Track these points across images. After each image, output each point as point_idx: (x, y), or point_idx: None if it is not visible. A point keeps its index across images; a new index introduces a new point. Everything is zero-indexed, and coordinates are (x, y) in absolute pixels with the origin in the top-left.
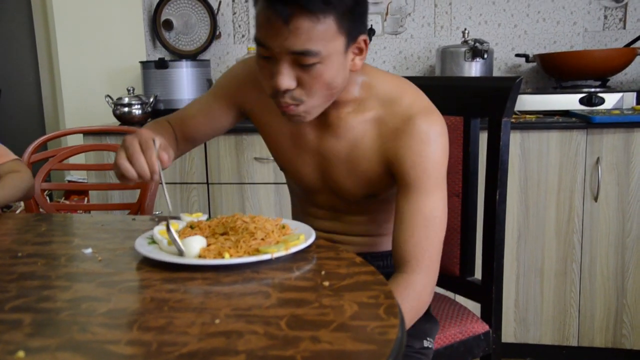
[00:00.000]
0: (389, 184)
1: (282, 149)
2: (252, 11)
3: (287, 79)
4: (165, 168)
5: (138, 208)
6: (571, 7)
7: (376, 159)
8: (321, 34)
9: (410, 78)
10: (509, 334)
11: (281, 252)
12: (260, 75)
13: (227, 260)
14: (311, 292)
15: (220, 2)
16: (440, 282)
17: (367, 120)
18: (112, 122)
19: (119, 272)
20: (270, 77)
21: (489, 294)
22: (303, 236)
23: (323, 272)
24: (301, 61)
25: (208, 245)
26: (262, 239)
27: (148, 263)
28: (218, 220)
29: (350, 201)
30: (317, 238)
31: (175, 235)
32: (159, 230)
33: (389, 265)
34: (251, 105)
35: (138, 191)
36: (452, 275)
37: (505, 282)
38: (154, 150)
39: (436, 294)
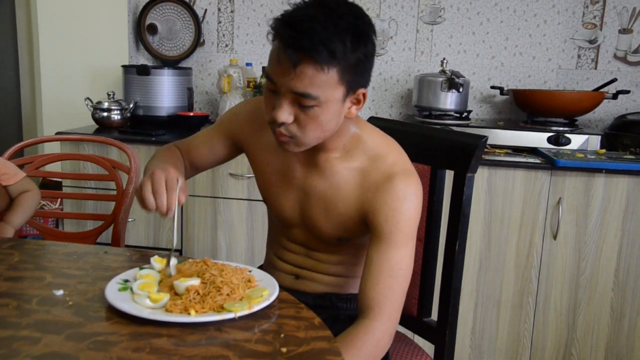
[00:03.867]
0: (360, 231)
1: (270, 182)
2: (237, 21)
3: (285, 114)
4: (180, 205)
5: (112, 219)
6: (547, 44)
7: (353, 205)
8: (323, 82)
9: (385, 121)
10: (464, 359)
11: (245, 311)
12: (264, 104)
13: (193, 318)
14: (269, 359)
15: (206, 11)
16: (400, 321)
17: (351, 168)
18: (90, 124)
19: (88, 322)
20: (272, 108)
21: (442, 337)
22: (267, 291)
23: (282, 335)
24: (301, 101)
25: (176, 294)
26: (228, 294)
27: (117, 312)
28: (189, 265)
29: (323, 241)
30: (281, 290)
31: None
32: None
33: (353, 307)
34: (247, 141)
35: (113, 203)
36: (411, 316)
37: (463, 310)
38: (176, 191)
39: (396, 333)
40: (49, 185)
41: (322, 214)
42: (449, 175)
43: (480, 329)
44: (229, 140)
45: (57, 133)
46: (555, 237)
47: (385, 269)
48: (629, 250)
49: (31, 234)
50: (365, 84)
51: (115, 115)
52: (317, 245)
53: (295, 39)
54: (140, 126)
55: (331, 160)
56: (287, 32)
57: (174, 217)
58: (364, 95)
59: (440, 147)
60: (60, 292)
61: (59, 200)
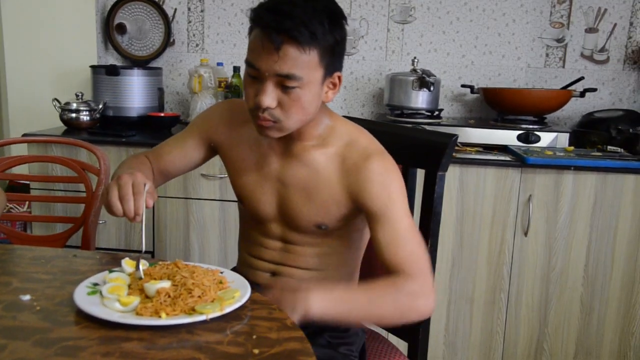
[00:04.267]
0: (341, 215)
1: (245, 177)
2: (207, 20)
3: (269, 98)
4: (148, 209)
5: (82, 222)
6: (516, 43)
7: (336, 189)
8: (305, 63)
9: (356, 120)
10: (438, 356)
11: (216, 313)
12: (245, 93)
13: (163, 320)
14: None
15: (175, 10)
16: None
17: (328, 154)
18: (58, 126)
19: (56, 327)
20: (254, 95)
21: (416, 335)
22: (239, 293)
23: (254, 337)
24: (284, 83)
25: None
26: (199, 297)
27: (86, 316)
28: (160, 267)
29: (301, 231)
30: (253, 289)
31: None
32: (107, 278)
33: None
34: (222, 141)
35: (82, 205)
36: None
37: (437, 308)
38: (143, 195)
39: (369, 332)
40: (16, 188)
41: (302, 201)
42: (420, 173)
43: (454, 326)
44: (202, 142)
45: (24, 135)
46: (526, 234)
47: (399, 239)
48: (598, 245)
49: None
50: (340, 68)
51: (84, 116)
52: (294, 238)
53: (277, 22)
54: (110, 127)
55: (308, 148)
56: (269, 16)
57: (142, 221)
58: (339, 78)
59: (412, 145)
60: (27, 297)
61: (27, 203)
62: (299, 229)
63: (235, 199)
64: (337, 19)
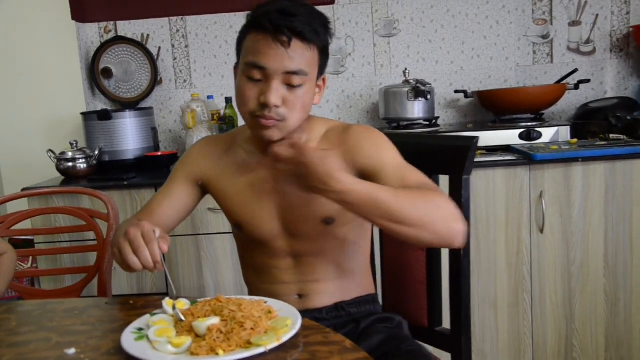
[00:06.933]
0: None
1: (241, 202)
2: (193, 55)
3: (277, 96)
4: (164, 253)
5: (96, 270)
6: (502, 44)
7: None
8: (309, 59)
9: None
10: None
11: (274, 343)
12: (244, 96)
13: (222, 358)
14: None
15: (160, 48)
16: (412, 334)
17: (315, 144)
18: (55, 176)
19: None
20: (257, 96)
21: (458, 344)
22: (290, 320)
23: None
24: (291, 81)
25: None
26: (252, 329)
27: None
28: (202, 305)
29: (308, 236)
30: (302, 318)
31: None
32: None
33: (366, 310)
34: (206, 175)
35: (89, 254)
36: (421, 326)
37: None
38: (155, 242)
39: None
40: (17, 245)
41: (304, 201)
42: (443, 180)
43: (481, 333)
44: (189, 184)
45: (24, 189)
46: (542, 231)
47: (405, 174)
48: (615, 234)
49: (7, 297)
50: (324, 71)
51: (81, 164)
52: (303, 247)
53: (287, 21)
54: (108, 172)
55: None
56: (278, 16)
57: (164, 268)
58: (324, 81)
59: (433, 153)
60: (72, 351)
61: (31, 259)
62: (306, 233)
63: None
64: (328, 23)
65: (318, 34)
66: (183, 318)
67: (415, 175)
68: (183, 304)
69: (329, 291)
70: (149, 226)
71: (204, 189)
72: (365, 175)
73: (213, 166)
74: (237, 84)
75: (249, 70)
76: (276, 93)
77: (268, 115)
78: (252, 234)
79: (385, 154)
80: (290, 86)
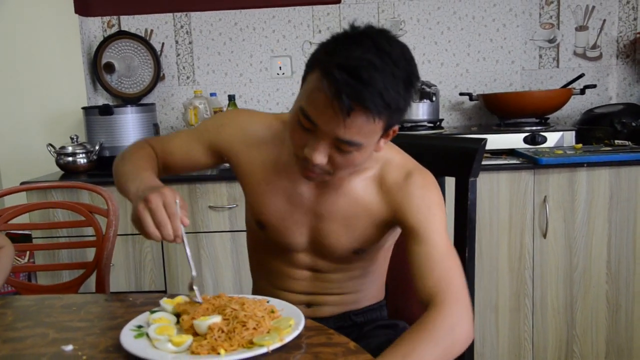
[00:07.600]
0: (378, 236)
1: (271, 203)
2: (196, 52)
3: (321, 157)
4: (185, 226)
5: (94, 266)
6: (509, 47)
7: (377, 212)
8: (370, 131)
9: None
10: None
11: (277, 343)
12: (292, 137)
13: (223, 357)
14: None
15: (163, 44)
16: None
17: (367, 178)
18: (55, 171)
19: None
20: (303, 143)
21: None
22: (293, 321)
23: None
24: (341, 147)
25: (198, 335)
26: (254, 328)
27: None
28: (206, 302)
29: (334, 259)
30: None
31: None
32: (151, 319)
33: (373, 318)
34: (237, 156)
35: (87, 249)
36: None
37: None
38: (177, 215)
39: None
40: (15, 239)
41: (341, 231)
42: (449, 182)
43: (481, 337)
44: (211, 150)
45: (22, 183)
46: (545, 236)
47: (435, 254)
48: (618, 241)
49: (3, 292)
50: (398, 122)
51: (81, 159)
52: (325, 266)
53: (354, 87)
54: (108, 168)
55: (345, 177)
56: (345, 78)
57: (184, 244)
58: (394, 132)
59: (441, 154)
60: (69, 348)
61: (28, 254)
62: (333, 258)
63: (244, 226)
64: (413, 83)
65: (389, 107)
66: (201, 300)
67: (447, 265)
68: (181, 299)
69: (341, 303)
70: (171, 195)
71: (225, 160)
72: (401, 226)
73: (249, 153)
74: (291, 115)
75: (301, 116)
76: (320, 154)
77: (310, 169)
78: (275, 239)
79: (432, 222)
80: (341, 150)
